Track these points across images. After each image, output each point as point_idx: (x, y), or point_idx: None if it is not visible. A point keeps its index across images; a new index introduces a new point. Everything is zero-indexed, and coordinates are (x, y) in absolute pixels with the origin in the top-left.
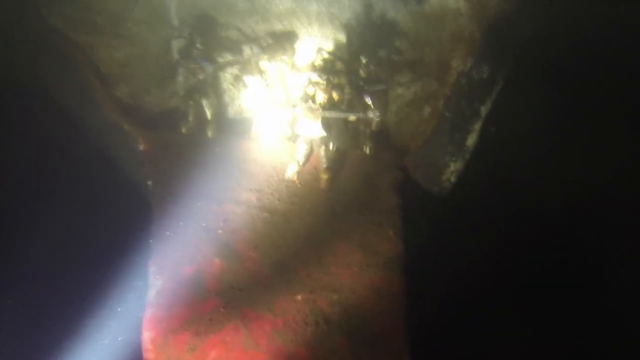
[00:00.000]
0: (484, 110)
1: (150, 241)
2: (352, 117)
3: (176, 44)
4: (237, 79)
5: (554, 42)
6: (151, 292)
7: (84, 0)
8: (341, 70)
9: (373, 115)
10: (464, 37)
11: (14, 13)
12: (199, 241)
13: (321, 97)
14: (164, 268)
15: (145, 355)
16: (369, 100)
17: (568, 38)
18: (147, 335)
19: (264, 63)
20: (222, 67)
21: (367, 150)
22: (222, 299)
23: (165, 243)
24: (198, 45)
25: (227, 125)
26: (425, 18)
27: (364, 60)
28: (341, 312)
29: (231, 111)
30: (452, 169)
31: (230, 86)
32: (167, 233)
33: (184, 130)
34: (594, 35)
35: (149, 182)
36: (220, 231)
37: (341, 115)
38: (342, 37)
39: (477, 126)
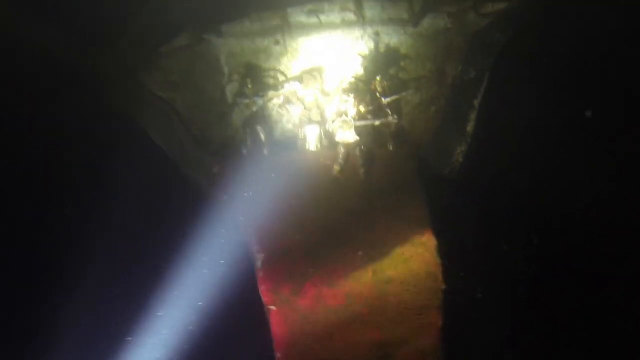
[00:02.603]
0: (476, 103)
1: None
2: (376, 123)
3: (229, 88)
4: (281, 107)
5: (521, 48)
6: (258, 262)
7: (166, 65)
8: (363, 89)
9: (392, 119)
10: (453, 48)
11: (117, 77)
12: (279, 226)
13: (352, 112)
14: (263, 246)
15: (265, 299)
16: (387, 109)
17: (533, 45)
18: (263, 288)
19: (301, 92)
20: (269, 99)
21: (391, 148)
22: (307, 261)
23: (258, 231)
24: (249, 85)
25: (278, 144)
26: (422, 37)
27: (378, 79)
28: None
29: (280, 132)
30: (459, 151)
31: (277, 113)
32: (259, 224)
33: (245, 152)
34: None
35: (225, 196)
36: (293, 217)
37: (368, 123)
38: (360, 64)
39: (473, 116)
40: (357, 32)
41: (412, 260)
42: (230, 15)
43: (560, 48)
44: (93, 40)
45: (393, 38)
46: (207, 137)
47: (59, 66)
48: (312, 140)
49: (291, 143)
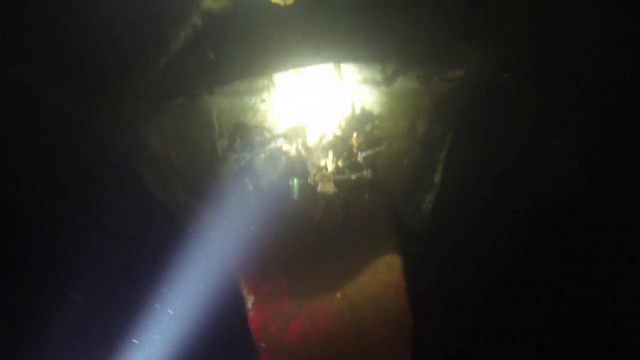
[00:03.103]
0: (442, 156)
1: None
2: (353, 177)
3: (220, 142)
4: (267, 160)
5: (478, 107)
6: (248, 303)
7: (162, 121)
8: (341, 145)
9: (366, 173)
10: (422, 107)
11: (119, 129)
12: (266, 270)
13: (331, 166)
14: (251, 288)
15: (255, 336)
16: (363, 163)
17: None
18: (254, 327)
19: (285, 146)
20: (256, 154)
21: (367, 197)
22: (292, 302)
23: (246, 274)
24: (237, 141)
25: (265, 194)
26: (394, 96)
27: (355, 135)
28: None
29: (266, 183)
30: (428, 200)
31: (263, 166)
32: (247, 267)
33: (233, 201)
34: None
35: (215, 241)
36: (278, 261)
37: (346, 177)
38: (338, 121)
39: (440, 167)
40: (335, 92)
41: (384, 300)
42: (222, 78)
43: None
44: (100, 97)
45: (368, 95)
46: (198, 187)
47: (67, 117)
48: (295, 191)
49: (276, 193)
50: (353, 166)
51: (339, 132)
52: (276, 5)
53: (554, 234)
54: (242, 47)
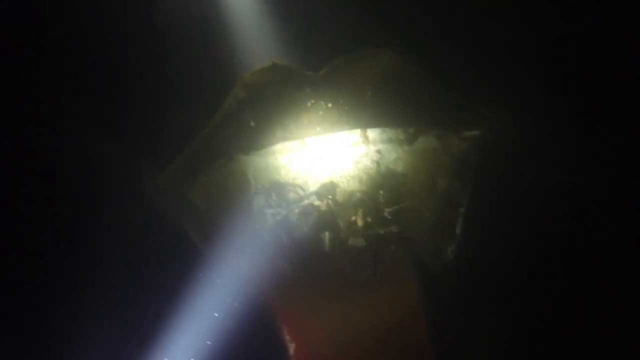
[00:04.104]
0: (462, 210)
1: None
2: (381, 231)
3: (256, 199)
4: (300, 215)
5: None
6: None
7: (204, 181)
8: (368, 201)
9: (394, 227)
10: (442, 164)
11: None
12: (302, 319)
13: (360, 221)
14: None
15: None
16: (389, 217)
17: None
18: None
19: (317, 202)
20: (290, 210)
21: (393, 248)
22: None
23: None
24: (273, 197)
25: (299, 245)
26: (415, 154)
27: (381, 192)
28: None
29: (300, 236)
30: (450, 249)
31: (297, 220)
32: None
33: (270, 253)
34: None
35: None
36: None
37: (374, 231)
38: (365, 180)
39: (460, 220)
40: (361, 151)
41: (409, 348)
42: (260, 143)
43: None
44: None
45: (392, 155)
46: (238, 240)
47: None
48: (327, 243)
49: (309, 245)
50: (381, 221)
51: (366, 189)
52: (309, 76)
53: (573, 278)
54: (279, 114)
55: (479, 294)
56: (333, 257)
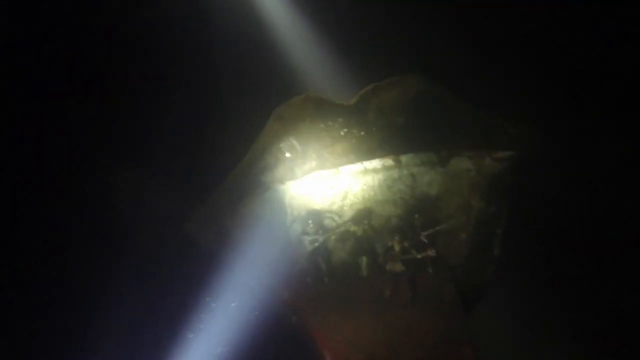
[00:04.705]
0: (499, 232)
1: None
2: (419, 256)
3: (294, 226)
4: (337, 241)
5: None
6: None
7: (243, 210)
8: (404, 226)
9: (430, 252)
10: (476, 185)
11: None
12: (342, 344)
13: (397, 247)
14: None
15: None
16: (425, 241)
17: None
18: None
19: (353, 228)
20: (328, 237)
21: (430, 271)
22: None
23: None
24: (310, 225)
25: (337, 271)
26: (449, 176)
27: (416, 216)
28: None
29: (337, 261)
30: (489, 271)
31: (334, 246)
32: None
33: (308, 280)
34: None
35: (294, 318)
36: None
37: (411, 255)
38: (399, 204)
39: (497, 242)
40: (395, 175)
41: None
42: (296, 173)
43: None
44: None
45: (425, 176)
46: (277, 268)
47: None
48: (364, 268)
49: (347, 271)
50: (418, 246)
51: (401, 213)
52: (340, 105)
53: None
54: (313, 144)
55: (519, 319)
56: (371, 282)
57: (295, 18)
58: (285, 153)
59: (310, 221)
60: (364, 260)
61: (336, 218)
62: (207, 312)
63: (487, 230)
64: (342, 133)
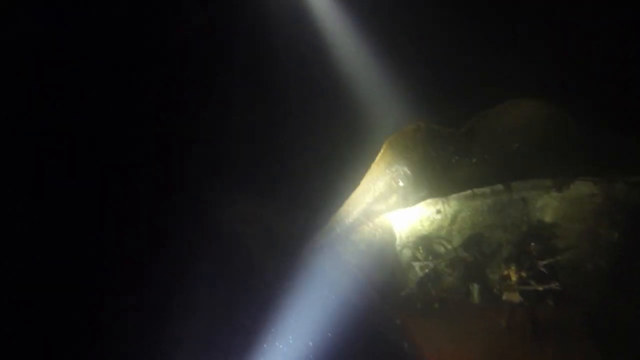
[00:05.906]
0: (634, 264)
1: None
2: (540, 288)
3: (404, 252)
4: (447, 266)
5: None
6: None
7: (354, 238)
8: (518, 253)
9: (554, 285)
10: (602, 212)
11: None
12: None
13: (514, 276)
14: None
15: None
16: (545, 271)
17: None
18: None
19: (463, 254)
20: (437, 262)
21: (552, 304)
22: None
23: None
24: (420, 251)
25: (446, 297)
26: (567, 200)
27: (532, 244)
28: None
29: (447, 287)
30: (622, 308)
31: (443, 272)
32: None
33: (418, 305)
34: None
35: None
36: None
37: (531, 287)
38: (511, 229)
39: (632, 274)
40: (504, 199)
41: None
42: (408, 202)
43: None
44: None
45: (538, 202)
46: (387, 292)
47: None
48: (475, 295)
49: (458, 297)
50: (537, 276)
51: (513, 240)
52: (452, 133)
53: None
54: (424, 173)
55: None
56: (484, 311)
57: (403, 52)
58: (398, 182)
59: (420, 247)
60: (475, 287)
61: (445, 243)
62: (318, 335)
63: (626, 264)
64: (453, 161)
